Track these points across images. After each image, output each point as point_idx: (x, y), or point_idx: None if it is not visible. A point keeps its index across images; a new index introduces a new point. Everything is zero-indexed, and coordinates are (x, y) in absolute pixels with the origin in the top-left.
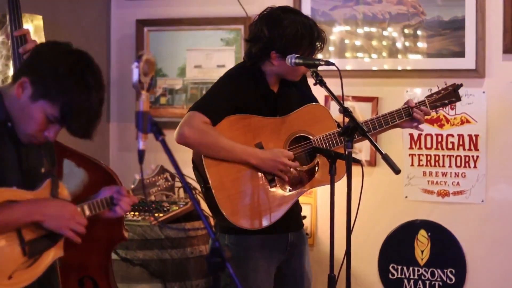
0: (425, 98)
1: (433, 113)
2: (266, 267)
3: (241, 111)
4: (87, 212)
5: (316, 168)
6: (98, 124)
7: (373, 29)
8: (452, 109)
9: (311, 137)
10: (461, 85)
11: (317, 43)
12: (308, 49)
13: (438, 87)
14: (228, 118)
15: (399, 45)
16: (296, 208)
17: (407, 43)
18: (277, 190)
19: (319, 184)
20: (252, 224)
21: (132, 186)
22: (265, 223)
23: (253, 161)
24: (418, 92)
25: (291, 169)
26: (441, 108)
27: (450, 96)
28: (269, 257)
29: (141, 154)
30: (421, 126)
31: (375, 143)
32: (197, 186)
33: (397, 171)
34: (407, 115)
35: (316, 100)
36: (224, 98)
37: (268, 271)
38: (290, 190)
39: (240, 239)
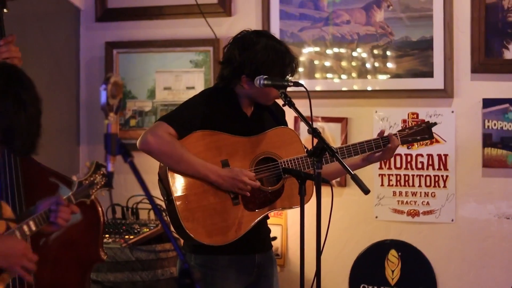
0: (397, 132)
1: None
2: None
3: (211, 129)
4: (33, 228)
5: (282, 190)
6: (40, 138)
7: (342, 50)
8: None
9: (277, 159)
10: (435, 123)
11: (288, 69)
12: (278, 75)
13: (412, 124)
14: (195, 133)
15: (368, 65)
16: (263, 229)
17: (376, 64)
18: (240, 209)
19: (285, 206)
20: (212, 239)
21: (72, 192)
22: (225, 240)
23: (212, 177)
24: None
25: (258, 189)
26: (411, 144)
27: (423, 133)
28: (235, 278)
29: (110, 177)
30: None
31: (344, 163)
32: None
33: (366, 191)
34: (377, 147)
35: (286, 125)
36: (194, 113)
37: None
38: (253, 210)
39: (206, 260)
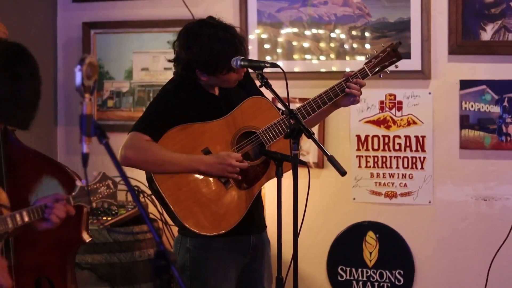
0: (363, 65)
1: (380, 77)
2: (227, 271)
3: (184, 122)
4: (26, 219)
5: (269, 159)
6: (35, 115)
7: (321, 31)
8: (399, 110)
9: (256, 131)
10: (400, 43)
11: (238, 55)
12: (227, 63)
13: (376, 52)
14: (169, 132)
15: (346, 46)
16: (258, 208)
17: (354, 45)
18: (235, 191)
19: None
20: (217, 229)
21: (73, 194)
22: (229, 225)
23: (201, 168)
24: (364, 94)
25: (245, 167)
26: (383, 72)
27: (390, 57)
28: (230, 260)
29: (85, 158)
30: (360, 98)
31: (321, 145)
32: (147, 190)
33: (342, 172)
34: (342, 91)
35: (260, 93)
36: (162, 113)
37: (230, 274)
38: (247, 187)
39: (201, 242)
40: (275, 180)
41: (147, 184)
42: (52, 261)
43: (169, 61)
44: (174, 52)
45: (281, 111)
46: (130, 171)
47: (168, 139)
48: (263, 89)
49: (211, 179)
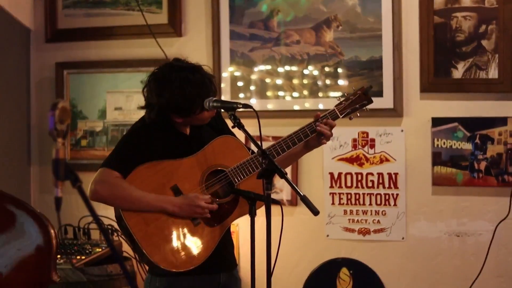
0: (334, 107)
1: (350, 120)
2: None
3: (154, 159)
4: None
5: (238, 197)
6: None
7: (294, 68)
8: (371, 147)
9: (225, 169)
10: (371, 87)
11: (210, 95)
12: (201, 103)
13: (346, 94)
14: (138, 168)
15: (319, 83)
16: (227, 246)
17: (327, 81)
18: (202, 228)
19: (245, 212)
20: (184, 266)
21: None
22: (196, 262)
23: (169, 208)
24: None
25: (214, 208)
26: (353, 114)
27: (360, 99)
28: None
29: (58, 202)
30: (329, 141)
31: (294, 185)
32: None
33: (315, 212)
34: (312, 132)
35: (230, 132)
36: (131, 150)
37: None
38: (215, 225)
39: (170, 282)
40: (248, 218)
41: None
42: None
43: (141, 107)
44: (144, 98)
45: (250, 150)
46: (104, 210)
47: (136, 176)
48: (235, 130)
49: (180, 217)
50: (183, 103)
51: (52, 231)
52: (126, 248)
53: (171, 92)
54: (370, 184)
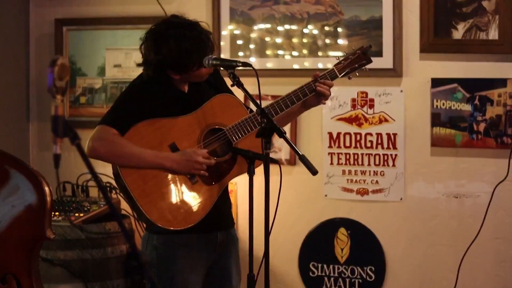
0: (333, 66)
1: (349, 79)
2: (194, 268)
3: (152, 117)
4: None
5: (236, 156)
6: None
7: (293, 27)
8: (370, 108)
9: (224, 128)
10: (370, 46)
11: (207, 52)
12: (199, 59)
13: (345, 53)
14: (137, 126)
15: (319, 42)
16: (225, 205)
17: (327, 40)
18: (200, 186)
19: (243, 171)
20: (181, 224)
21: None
22: (194, 220)
23: (167, 164)
24: (336, 92)
25: (211, 164)
26: (352, 73)
27: (360, 59)
28: (197, 257)
29: (56, 159)
30: (328, 101)
31: (293, 144)
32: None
33: (314, 172)
34: (311, 91)
35: (229, 90)
36: (130, 107)
37: (197, 271)
38: (213, 184)
39: (168, 239)
40: (246, 177)
41: None
42: (17, 258)
43: (138, 65)
44: (141, 55)
45: (249, 109)
46: (102, 167)
47: (135, 133)
48: (234, 88)
49: (178, 174)
50: (179, 59)
51: (46, 188)
52: (124, 206)
53: (168, 48)
54: (368, 145)
